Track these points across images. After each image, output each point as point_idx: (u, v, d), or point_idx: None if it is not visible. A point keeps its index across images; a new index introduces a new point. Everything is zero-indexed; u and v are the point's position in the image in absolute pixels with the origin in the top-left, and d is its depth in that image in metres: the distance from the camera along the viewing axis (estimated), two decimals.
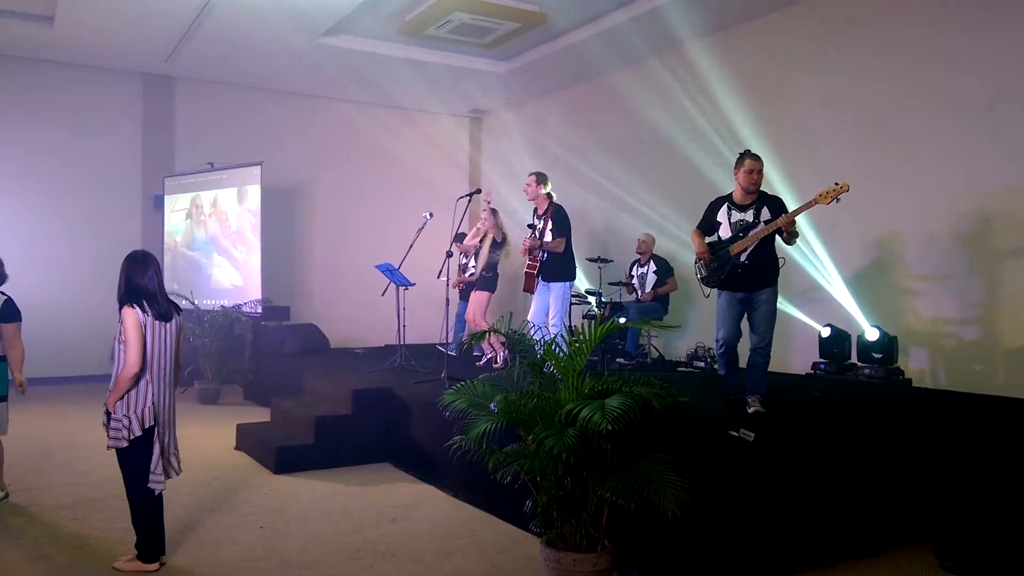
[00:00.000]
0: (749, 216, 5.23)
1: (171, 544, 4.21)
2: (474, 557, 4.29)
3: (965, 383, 6.56)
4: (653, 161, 9.75)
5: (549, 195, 6.92)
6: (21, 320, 5.01)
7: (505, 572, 4.08)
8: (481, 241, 8.36)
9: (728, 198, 5.39)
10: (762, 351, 5.27)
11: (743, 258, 5.21)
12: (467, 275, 8.90)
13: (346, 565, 4.15)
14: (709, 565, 3.83)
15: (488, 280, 8.18)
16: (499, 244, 8.17)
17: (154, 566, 4.00)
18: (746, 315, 5.33)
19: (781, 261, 5.32)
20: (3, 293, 4.99)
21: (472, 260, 8.93)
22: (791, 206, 5.43)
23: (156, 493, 3.99)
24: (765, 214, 5.18)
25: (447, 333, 8.11)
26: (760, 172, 5.23)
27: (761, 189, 5.30)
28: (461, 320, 9.06)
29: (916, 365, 6.95)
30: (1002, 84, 6.45)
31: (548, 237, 6.74)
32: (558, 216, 6.78)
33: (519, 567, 4.11)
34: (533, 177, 6.93)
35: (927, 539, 4.38)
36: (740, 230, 5.24)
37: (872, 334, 6.78)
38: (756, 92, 8.44)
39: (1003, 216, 6.45)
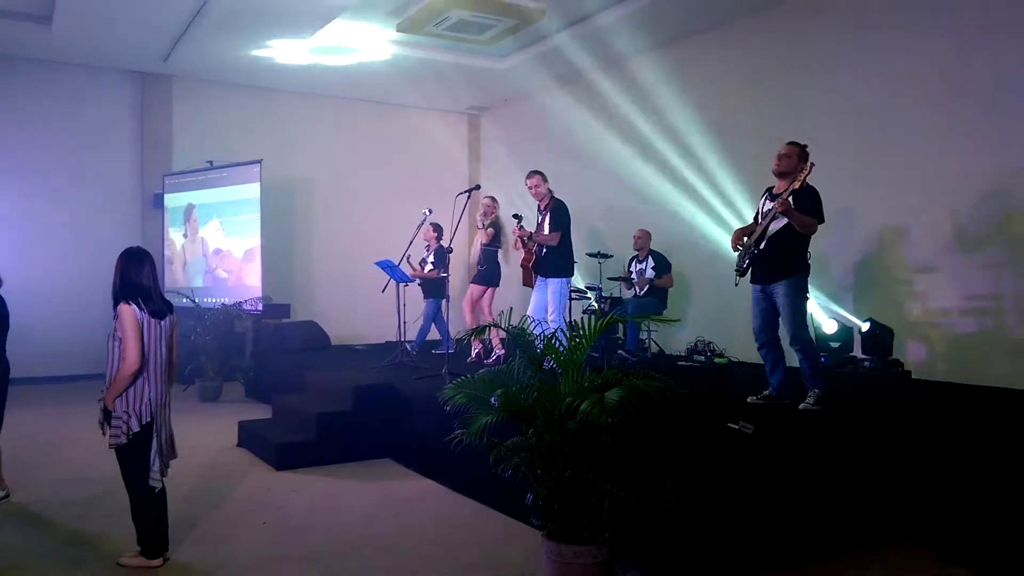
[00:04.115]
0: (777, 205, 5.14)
1: (174, 540, 4.22)
2: (476, 550, 4.31)
3: (964, 375, 6.58)
4: (652, 156, 9.75)
5: (549, 190, 6.95)
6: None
7: (507, 565, 4.10)
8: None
9: (771, 187, 5.37)
10: (795, 346, 5.19)
11: (761, 246, 5.19)
12: (425, 270, 8.89)
13: (348, 560, 4.17)
14: (709, 558, 3.85)
15: (484, 274, 8.08)
16: (494, 237, 8.07)
17: (158, 562, 4.02)
18: None
19: (808, 255, 5.20)
20: None
21: (431, 255, 8.92)
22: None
23: (156, 490, 4.01)
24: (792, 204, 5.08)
25: (446, 332, 8.09)
26: (786, 156, 5.20)
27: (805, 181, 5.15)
28: (429, 320, 9.00)
29: (914, 357, 6.97)
30: (1003, 75, 6.46)
31: (545, 230, 6.76)
32: (557, 211, 6.80)
33: (521, 560, 4.14)
34: (538, 177, 6.93)
35: (926, 531, 4.39)
36: (764, 219, 5.20)
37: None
38: (754, 87, 8.46)
39: (1001, 207, 6.47)
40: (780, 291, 5.15)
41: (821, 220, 5.12)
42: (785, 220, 5.07)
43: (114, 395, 3.89)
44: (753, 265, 5.28)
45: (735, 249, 5.43)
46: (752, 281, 5.35)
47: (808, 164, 5.11)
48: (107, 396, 3.92)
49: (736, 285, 5.48)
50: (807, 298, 5.32)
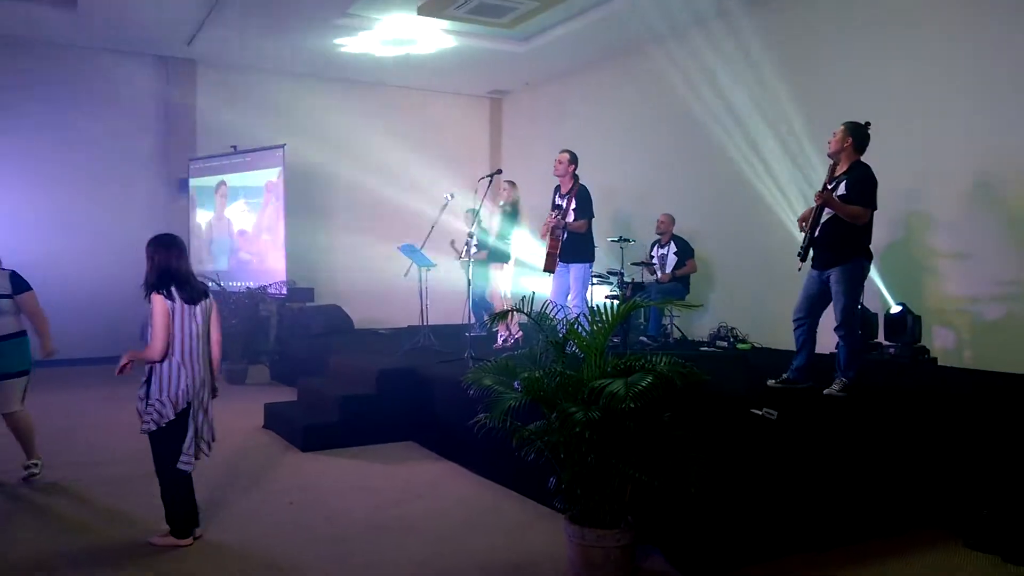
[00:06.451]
0: (837, 188, 4.99)
1: (203, 520, 4.29)
2: (498, 534, 4.35)
3: (991, 362, 6.50)
4: (676, 140, 9.68)
5: (575, 175, 6.91)
6: (32, 290, 5.14)
7: (529, 548, 4.13)
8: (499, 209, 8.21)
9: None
10: (838, 332, 5.09)
11: (816, 232, 5.06)
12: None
13: (372, 540, 4.22)
14: (731, 542, 3.85)
15: (507, 252, 8.11)
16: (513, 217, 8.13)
17: (188, 541, 4.09)
18: None
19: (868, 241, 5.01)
20: (4, 269, 5.09)
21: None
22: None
23: (186, 473, 4.07)
24: (842, 189, 4.95)
25: (469, 315, 8.11)
26: (837, 138, 5.01)
27: (861, 160, 5.02)
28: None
29: (940, 344, 6.90)
30: None
31: (571, 217, 6.73)
32: (582, 196, 6.77)
33: (543, 543, 4.16)
34: (566, 155, 6.88)
35: (952, 517, 4.37)
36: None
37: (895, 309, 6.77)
38: (783, 68, 8.33)
39: None
40: (833, 276, 5.03)
41: (871, 208, 4.93)
42: (815, 205, 4.98)
43: (134, 356, 3.97)
44: (812, 249, 5.14)
45: (801, 230, 5.27)
46: (812, 266, 5.22)
47: (849, 140, 4.97)
48: (130, 353, 4.00)
49: (799, 270, 5.32)
50: (862, 287, 5.13)
